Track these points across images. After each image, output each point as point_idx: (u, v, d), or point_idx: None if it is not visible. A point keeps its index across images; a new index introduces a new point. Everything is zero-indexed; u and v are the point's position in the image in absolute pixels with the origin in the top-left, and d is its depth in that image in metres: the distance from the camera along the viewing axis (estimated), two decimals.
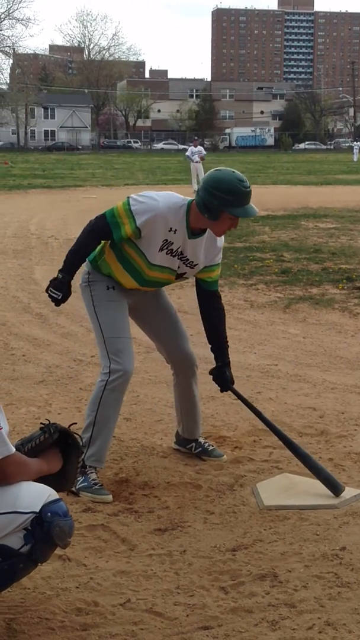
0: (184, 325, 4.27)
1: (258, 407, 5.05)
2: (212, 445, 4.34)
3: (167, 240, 3.80)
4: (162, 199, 3.79)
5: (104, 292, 3.96)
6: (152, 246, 3.81)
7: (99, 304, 3.95)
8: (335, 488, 3.78)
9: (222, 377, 4.08)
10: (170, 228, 3.78)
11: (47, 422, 2.84)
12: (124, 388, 3.93)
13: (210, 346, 4.12)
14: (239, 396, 4.14)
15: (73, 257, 3.87)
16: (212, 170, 3.80)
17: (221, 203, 3.64)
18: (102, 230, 3.82)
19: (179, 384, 4.26)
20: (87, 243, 3.88)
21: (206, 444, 4.32)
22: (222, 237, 3.95)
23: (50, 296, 3.86)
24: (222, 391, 4.17)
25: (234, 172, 3.74)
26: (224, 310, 4.13)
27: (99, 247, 3.95)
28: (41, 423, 2.85)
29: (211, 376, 4.12)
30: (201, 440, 4.33)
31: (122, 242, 3.83)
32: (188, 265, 3.92)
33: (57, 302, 3.86)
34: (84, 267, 4.02)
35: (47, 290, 3.89)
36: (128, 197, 3.82)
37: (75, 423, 3.08)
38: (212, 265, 3.99)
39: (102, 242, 3.92)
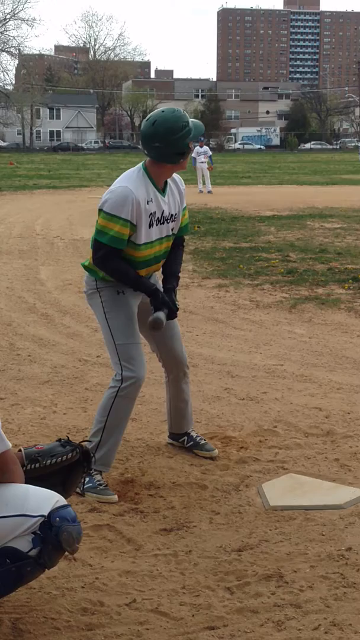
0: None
1: (264, 407, 5.08)
2: (204, 439, 4.36)
3: (151, 213, 3.83)
4: (126, 182, 3.80)
5: (115, 298, 3.92)
6: (143, 228, 3.81)
7: (110, 310, 3.92)
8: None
9: (167, 306, 3.91)
10: (147, 201, 3.81)
11: (67, 439, 2.85)
12: (135, 395, 3.93)
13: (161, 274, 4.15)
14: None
15: (136, 282, 3.86)
16: (147, 124, 3.76)
17: (186, 138, 3.76)
18: (112, 254, 3.78)
19: (170, 383, 4.30)
20: (121, 270, 3.83)
21: (198, 438, 4.34)
22: (182, 180, 4.08)
23: (167, 315, 3.90)
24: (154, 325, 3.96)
25: (163, 111, 3.83)
26: (184, 248, 4.22)
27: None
28: (60, 439, 2.86)
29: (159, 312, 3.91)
30: (193, 434, 4.35)
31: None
32: (174, 220, 4.00)
33: (173, 308, 3.92)
34: (88, 275, 3.99)
35: (166, 316, 3.92)
36: (99, 209, 3.80)
37: (90, 441, 3.04)
38: (182, 209, 4.07)
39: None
